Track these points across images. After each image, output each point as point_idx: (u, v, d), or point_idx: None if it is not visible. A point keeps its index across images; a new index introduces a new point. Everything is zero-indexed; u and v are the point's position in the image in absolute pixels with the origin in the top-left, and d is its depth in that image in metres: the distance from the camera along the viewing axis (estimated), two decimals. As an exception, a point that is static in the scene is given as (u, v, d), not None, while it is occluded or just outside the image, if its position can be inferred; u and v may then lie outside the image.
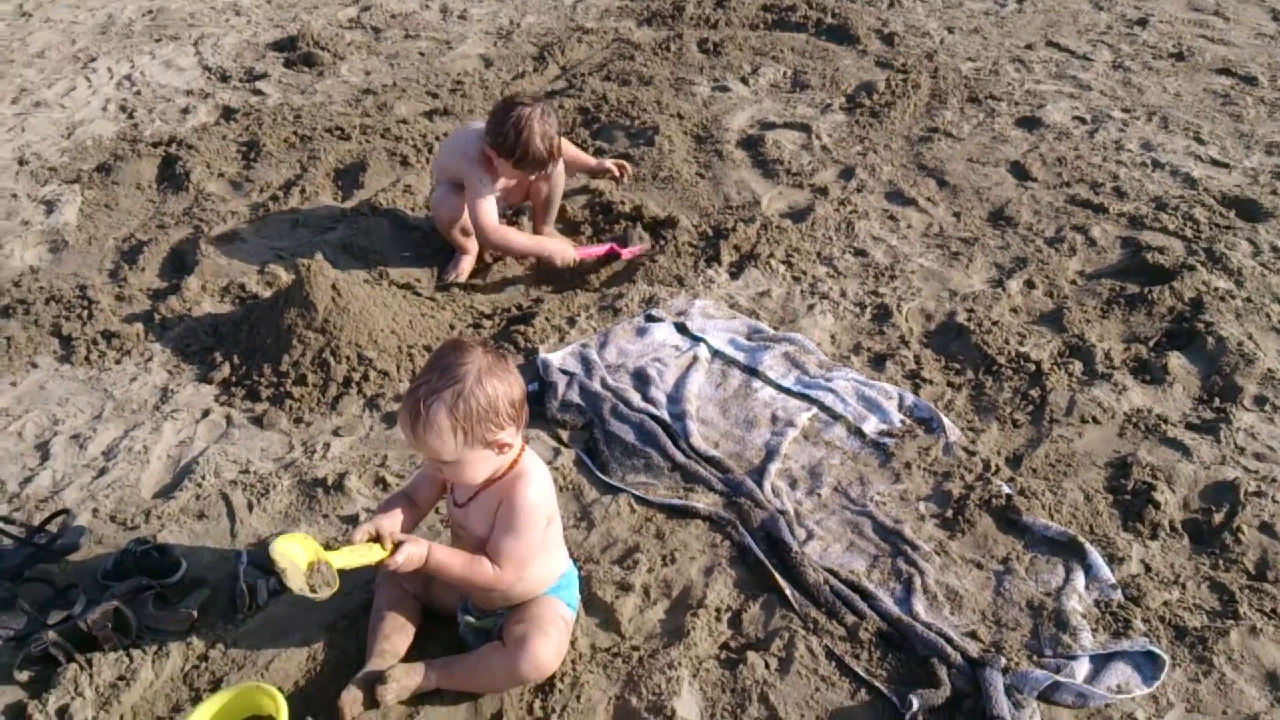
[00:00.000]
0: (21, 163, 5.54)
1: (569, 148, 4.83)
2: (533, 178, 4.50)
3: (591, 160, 5.09)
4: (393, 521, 2.56)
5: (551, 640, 2.59)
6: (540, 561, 2.62)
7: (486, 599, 2.68)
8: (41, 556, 2.99)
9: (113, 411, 3.70)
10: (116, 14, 7.99)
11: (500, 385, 2.39)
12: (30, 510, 3.24)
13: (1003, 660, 2.67)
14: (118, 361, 3.97)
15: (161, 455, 3.50)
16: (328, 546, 2.47)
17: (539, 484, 2.54)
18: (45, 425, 3.64)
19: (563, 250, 4.49)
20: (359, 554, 2.45)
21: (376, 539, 2.47)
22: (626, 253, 4.63)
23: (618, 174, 5.08)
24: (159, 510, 3.22)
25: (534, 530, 2.53)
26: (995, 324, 4.04)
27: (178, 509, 3.23)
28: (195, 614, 2.82)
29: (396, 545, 2.46)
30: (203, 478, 3.36)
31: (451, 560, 2.52)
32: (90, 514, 3.22)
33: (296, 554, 2.39)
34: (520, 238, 4.52)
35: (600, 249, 4.62)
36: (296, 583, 2.35)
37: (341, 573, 2.42)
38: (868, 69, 6.57)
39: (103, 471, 3.41)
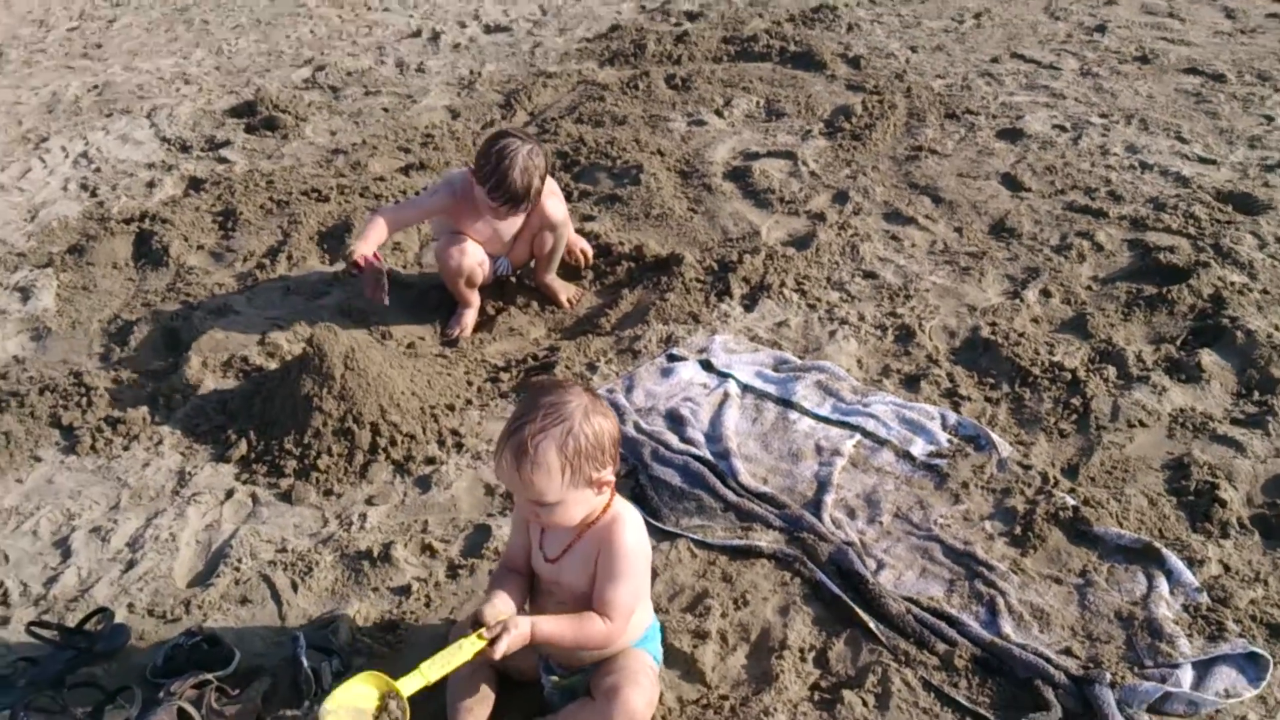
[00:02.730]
0: (-13, 250, 5.35)
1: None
2: (507, 218, 4.27)
3: (575, 237, 4.80)
4: (503, 604, 2.45)
5: (644, 690, 2.47)
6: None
7: (573, 656, 2.55)
8: (84, 659, 2.82)
9: (130, 500, 3.53)
10: (61, 91, 7.79)
11: (605, 422, 2.34)
12: (60, 611, 3.06)
13: (1108, 675, 2.59)
14: (126, 448, 3.78)
15: (190, 541, 3.33)
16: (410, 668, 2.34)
17: (636, 526, 2.45)
18: (60, 520, 3.45)
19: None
20: (451, 657, 2.33)
21: (476, 625, 2.36)
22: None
23: (581, 262, 4.82)
24: (199, 599, 3.05)
25: (639, 575, 2.44)
26: (1021, 335, 4.00)
27: (218, 596, 3.07)
28: (260, 704, 2.67)
29: (494, 639, 2.33)
30: (239, 561, 3.20)
31: (559, 629, 2.40)
32: (126, 609, 3.04)
33: (363, 699, 2.28)
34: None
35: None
36: None
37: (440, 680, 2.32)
38: (840, 93, 6.56)
39: (131, 564, 3.23)
